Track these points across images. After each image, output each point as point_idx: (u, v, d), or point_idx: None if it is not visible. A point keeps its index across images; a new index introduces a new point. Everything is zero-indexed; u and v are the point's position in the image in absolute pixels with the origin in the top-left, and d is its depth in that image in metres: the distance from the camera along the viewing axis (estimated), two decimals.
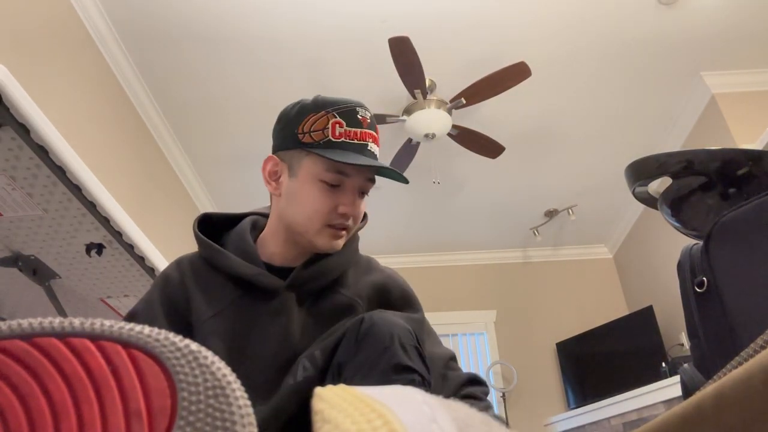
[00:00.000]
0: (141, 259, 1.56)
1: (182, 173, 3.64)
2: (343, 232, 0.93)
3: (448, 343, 4.54)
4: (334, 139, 0.89)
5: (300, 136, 0.90)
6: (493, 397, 4.39)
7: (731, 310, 0.69)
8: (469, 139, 3.24)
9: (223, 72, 2.99)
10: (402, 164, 3.42)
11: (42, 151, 1.17)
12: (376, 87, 3.10)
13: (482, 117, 3.32)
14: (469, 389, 0.90)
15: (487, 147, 3.29)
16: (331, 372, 0.82)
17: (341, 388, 0.39)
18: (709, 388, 0.35)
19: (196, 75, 3.00)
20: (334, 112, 0.90)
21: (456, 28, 2.81)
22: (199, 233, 0.96)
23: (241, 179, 3.77)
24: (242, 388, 0.32)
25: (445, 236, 4.70)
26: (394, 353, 0.77)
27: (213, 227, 1.00)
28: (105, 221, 1.39)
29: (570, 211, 4.28)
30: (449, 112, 3.03)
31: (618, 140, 3.61)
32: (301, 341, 0.88)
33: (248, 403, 0.32)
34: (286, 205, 0.93)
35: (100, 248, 1.47)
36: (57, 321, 0.32)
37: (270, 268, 0.93)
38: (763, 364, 0.31)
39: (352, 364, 0.79)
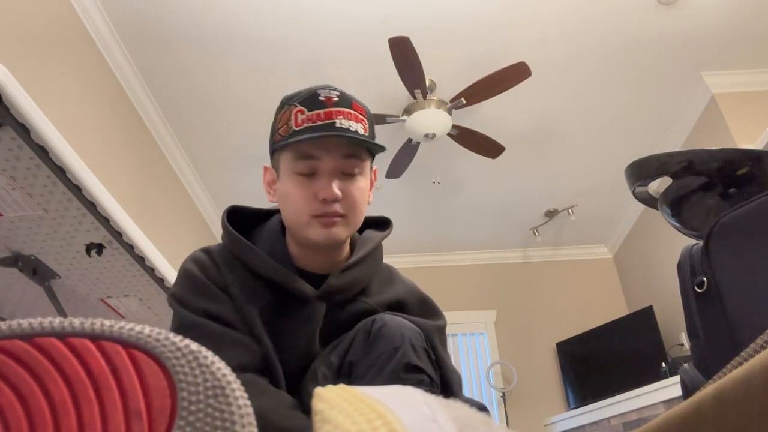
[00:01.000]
0: (141, 259, 1.56)
1: (182, 173, 3.64)
2: (336, 220, 0.86)
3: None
4: (296, 128, 0.84)
5: (274, 137, 0.89)
6: (493, 397, 4.39)
7: (731, 310, 0.69)
8: (469, 139, 3.24)
9: (224, 72, 2.99)
10: (402, 164, 3.42)
11: (42, 151, 1.17)
12: (376, 87, 3.10)
13: (482, 117, 3.32)
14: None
15: (487, 147, 3.29)
16: (342, 371, 0.82)
17: (341, 388, 0.39)
18: (709, 388, 0.35)
19: (196, 75, 3.00)
20: (295, 102, 0.87)
21: (456, 28, 2.81)
22: (231, 228, 0.92)
23: (241, 179, 3.77)
24: (242, 388, 0.32)
25: (445, 236, 4.70)
26: (404, 353, 0.77)
27: (241, 221, 0.96)
28: (105, 221, 1.39)
29: (570, 211, 4.28)
30: (449, 112, 3.03)
31: (618, 140, 3.61)
32: (320, 349, 0.88)
33: (248, 403, 0.32)
34: (281, 209, 0.92)
35: (100, 248, 1.47)
36: (57, 321, 0.32)
37: (299, 272, 0.90)
38: (763, 364, 0.31)
39: (362, 364, 0.79)
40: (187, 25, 2.71)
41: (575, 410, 3.90)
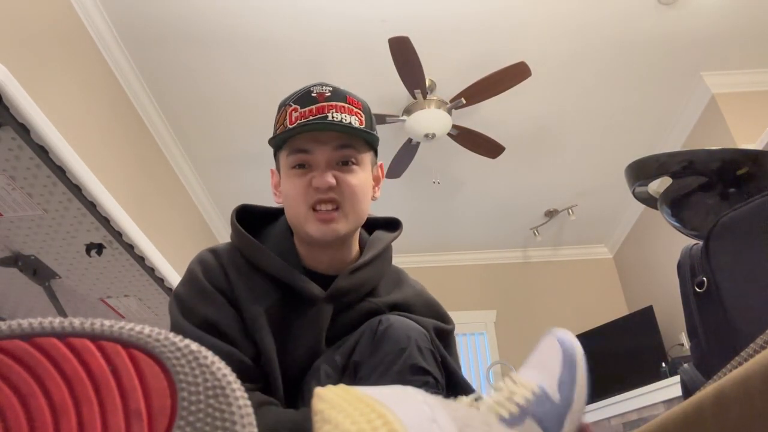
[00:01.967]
0: (141, 259, 1.56)
1: (182, 173, 3.64)
2: (334, 214, 0.86)
3: None
4: (290, 125, 0.86)
5: (273, 139, 0.90)
6: None
7: (731, 310, 0.69)
8: (469, 139, 3.24)
9: (224, 72, 2.99)
10: (402, 164, 3.42)
11: (42, 151, 1.17)
12: (376, 87, 3.10)
13: (482, 117, 3.32)
14: None
15: (487, 147, 3.29)
16: (348, 372, 0.82)
17: (341, 388, 0.39)
18: (709, 388, 0.35)
19: (197, 75, 3.00)
20: (290, 102, 0.88)
21: (456, 28, 2.81)
22: (240, 227, 0.91)
23: (241, 179, 3.77)
24: (242, 388, 0.32)
25: (445, 236, 4.70)
26: (410, 354, 0.77)
27: (250, 220, 0.96)
28: (105, 221, 1.39)
29: (570, 211, 4.28)
30: (449, 112, 3.03)
31: (618, 140, 3.61)
32: (326, 344, 0.88)
33: (248, 403, 0.32)
34: (285, 209, 0.92)
35: (100, 248, 1.47)
36: (57, 321, 0.32)
37: (310, 274, 0.90)
38: (763, 364, 0.31)
39: (368, 364, 0.79)
40: (187, 25, 2.71)
41: None
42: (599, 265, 4.93)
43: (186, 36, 2.77)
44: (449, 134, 3.18)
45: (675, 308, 3.73)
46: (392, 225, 1.04)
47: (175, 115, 3.26)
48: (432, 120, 2.98)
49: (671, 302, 3.83)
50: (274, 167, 0.97)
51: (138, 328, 0.33)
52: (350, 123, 0.86)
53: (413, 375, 0.76)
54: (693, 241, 0.81)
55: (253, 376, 0.81)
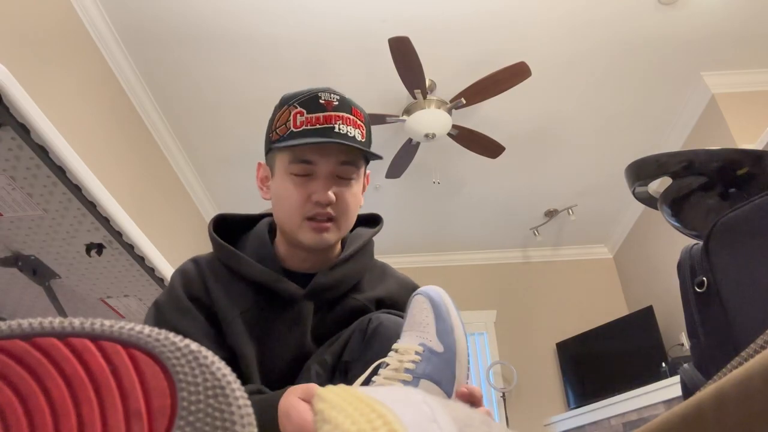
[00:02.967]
0: (141, 259, 1.56)
1: (182, 173, 3.64)
2: (328, 224, 0.87)
3: None
4: (295, 130, 0.85)
5: (271, 135, 0.90)
6: (493, 397, 4.39)
7: (731, 310, 0.69)
8: (469, 139, 3.24)
9: (224, 72, 2.99)
10: (402, 164, 3.42)
11: (42, 151, 1.17)
12: (376, 87, 3.10)
13: (482, 117, 3.32)
14: None
15: (487, 147, 3.29)
16: (338, 371, 0.82)
17: (341, 388, 0.39)
18: (709, 388, 0.35)
19: (197, 75, 3.00)
20: (295, 104, 0.87)
21: (456, 28, 2.81)
22: (216, 236, 0.93)
23: (241, 179, 3.77)
24: (242, 388, 0.32)
25: (445, 236, 4.71)
26: None
27: (229, 228, 0.97)
28: (105, 221, 1.39)
29: (570, 211, 4.28)
30: (449, 112, 3.03)
31: (618, 140, 3.61)
32: (312, 344, 0.88)
33: (248, 403, 0.32)
34: (274, 207, 0.92)
35: (100, 248, 1.47)
36: (57, 321, 0.32)
37: (287, 273, 0.90)
38: (763, 364, 0.31)
39: (359, 363, 0.79)
40: (188, 25, 2.71)
41: (575, 410, 3.89)
42: (599, 265, 4.93)
43: (186, 36, 2.77)
44: (449, 134, 3.18)
45: (675, 308, 3.73)
46: (372, 221, 1.05)
47: (175, 115, 3.26)
48: (432, 120, 2.98)
49: (671, 302, 3.83)
50: (263, 160, 0.96)
51: (138, 328, 0.33)
52: (354, 137, 0.87)
53: None
54: (693, 241, 0.81)
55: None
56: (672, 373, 3.21)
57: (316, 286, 0.88)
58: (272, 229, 0.98)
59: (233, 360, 0.84)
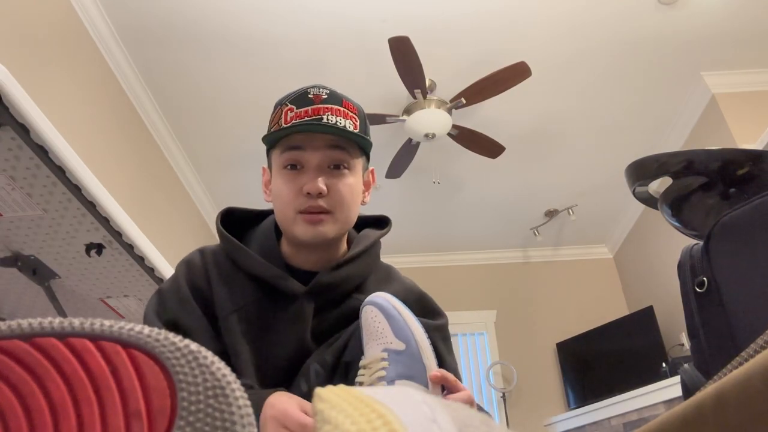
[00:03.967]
0: (141, 259, 1.56)
1: (182, 173, 3.64)
2: (322, 216, 0.86)
3: None
4: (285, 125, 0.86)
5: (267, 137, 0.91)
6: (493, 397, 4.39)
7: (731, 310, 0.69)
8: (469, 139, 3.24)
9: (224, 72, 2.99)
10: (402, 164, 3.42)
11: (42, 151, 1.17)
12: (376, 87, 3.10)
13: (482, 117, 3.32)
14: None
15: (487, 147, 3.29)
16: (339, 371, 0.82)
17: (341, 388, 0.39)
18: (710, 388, 0.35)
19: (197, 75, 3.00)
20: (286, 102, 0.88)
21: (456, 28, 2.81)
22: (223, 229, 0.93)
23: (241, 179, 3.77)
24: (242, 389, 0.32)
25: (445, 236, 4.71)
26: None
27: (236, 223, 0.97)
28: (105, 221, 1.39)
29: (570, 211, 4.28)
30: (449, 112, 3.03)
31: (618, 140, 3.61)
32: (314, 347, 0.87)
33: (248, 403, 0.32)
34: (274, 207, 0.92)
35: (100, 248, 1.47)
36: (57, 321, 0.32)
37: (292, 270, 0.90)
38: (763, 364, 0.31)
39: (359, 364, 0.79)
40: (188, 25, 2.71)
41: (575, 410, 3.90)
42: (599, 265, 4.93)
43: (186, 36, 2.77)
44: (449, 134, 3.18)
45: (675, 308, 3.73)
46: (381, 223, 1.04)
47: (175, 115, 3.26)
48: (432, 120, 2.98)
49: (671, 302, 3.83)
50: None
51: (138, 328, 0.33)
52: (344, 126, 0.86)
53: None
54: (693, 241, 0.81)
55: None
56: (672, 374, 3.21)
57: (317, 284, 0.87)
58: (278, 226, 0.97)
59: (228, 353, 0.84)
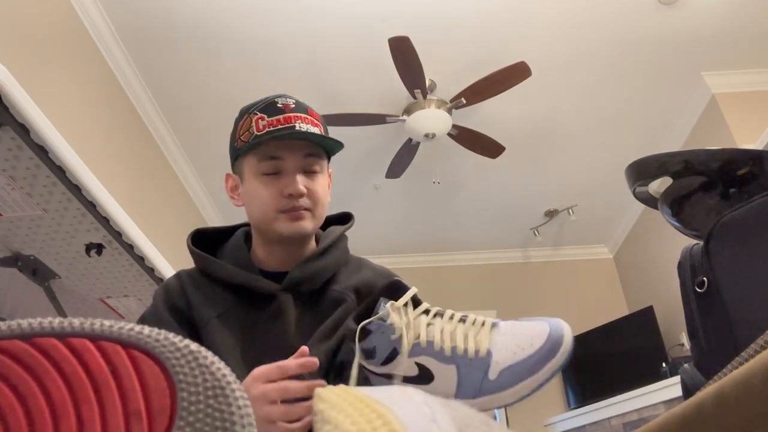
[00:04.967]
0: (141, 259, 1.56)
1: (182, 173, 3.64)
2: (303, 213, 0.92)
3: None
4: (258, 133, 0.91)
5: (236, 144, 0.95)
6: None
7: (731, 310, 0.69)
8: (469, 139, 3.24)
9: (223, 72, 2.99)
10: (402, 164, 3.42)
11: (42, 151, 1.17)
12: (376, 87, 3.10)
13: (482, 117, 3.32)
14: None
15: (487, 147, 3.29)
16: (332, 372, 0.82)
17: (341, 388, 0.39)
18: (710, 389, 0.35)
19: (196, 75, 3.00)
20: (255, 111, 0.94)
21: (456, 28, 2.81)
22: (192, 246, 0.98)
23: None
24: (242, 389, 0.32)
25: (445, 236, 4.70)
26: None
27: (207, 241, 1.02)
28: (105, 221, 1.39)
29: (570, 211, 4.28)
30: (449, 112, 3.03)
31: (618, 140, 3.61)
32: (299, 342, 0.88)
33: (248, 403, 0.32)
34: (247, 211, 0.97)
35: (99, 248, 1.47)
36: (57, 321, 0.32)
37: (265, 274, 0.94)
38: (764, 364, 0.31)
39: (353, 364, 0.79)
40: (188, 25, 2.71)
41: (575, 410, 3.90)
42: (599, 265, 4.93)
43: (186, 36, 2.77)
44: (449, 134, 3.18)
45: (675, 308, 3.73)
46: (345, 219, 1.10)
47: (175, 115, 3.26)
48: (432, 120, 2.98)
49: (671, 302, 3.83)
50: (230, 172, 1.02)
51: (138, 328, 0.33)
52: (315, 133, 0.93)
53: None
54: (693, 241, 0.81)
55: None
56: (672, 374, 3.21)
57: (291, 279, 0.92)
58: (248, 238, 1.03)
59: None
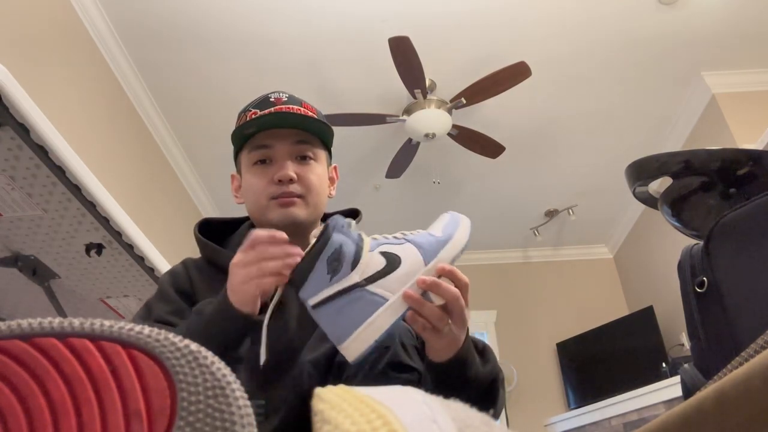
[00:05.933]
0: (141, 259, 1.56)
1: (182, 173, 3.64)
2: (294, 199, 0.90)
3: None
4: (241, 124, 0.92)
5: (232, 141, 0.96)
6: None
7: (731, 310, 0.69)
8: (469, 139, 3.24)
9: (224, 72, 2.99)
10: (402, 164, 3.42)
11: (42, 151, 1.17)
12: (376, 87, 3.10)
13: (482, 117, 3.32)
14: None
15: (487, 147, 3.29)
16: (332, 372, 0.82)
17: (341, 388, 0.39)
18: (710, 389, 0.35)
19: (196, 75, 3.00)
20: (249, 108, 0.95)
21: (456, 27, 2.81)
22: (199, 235, 0.97)
23: None
24: (242, 389, 0.32)
25: None
26: (395, 352, 0.78)
27: (214, 231, 1.01)
28: (105, 221, 1.39)
29: (570, 211, 4.28)
30: (449, 112, 3.03)
31: (618, 140, 3.61)
32: (297, 334, 0.86)
33: (248, 403, 0.32)
34: (246, 205, 0.96)
35: (99, 248, 1.47)
36: (57, 321, 0.32)
37: None
38: (764, 364, 0.31)
39: (352, 364, 0.78)
40: (187, 24, 2.71)
41: (575, 410, 3.89)
42: (599, 265, 4.93)
43: (186, 35, 2.77)
44: (449, 134, 3.18)
45: (675, 308, 3.73)
46: (352, 215, 1.08)
47: (175, 115, 3.26)
48: (432, 120, 2.98)
49: (671, 302, 3.83)
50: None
51: (138, 328, 0.33)
52: (297, 114, 0.93)
53: (398, 372, 0.77)
54: (693, 241, 0.81)
55: None
56: (672, 374, 3.21)
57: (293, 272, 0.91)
58: (252, 228, 1.02)
59: None
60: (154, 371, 0.32)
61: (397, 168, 3.45)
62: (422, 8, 2.70)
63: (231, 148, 1.01)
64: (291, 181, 0.89)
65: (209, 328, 0.75)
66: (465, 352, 0.74)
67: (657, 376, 3.33)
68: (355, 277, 0.66)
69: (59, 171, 1.23)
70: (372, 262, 0.67)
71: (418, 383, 0.79)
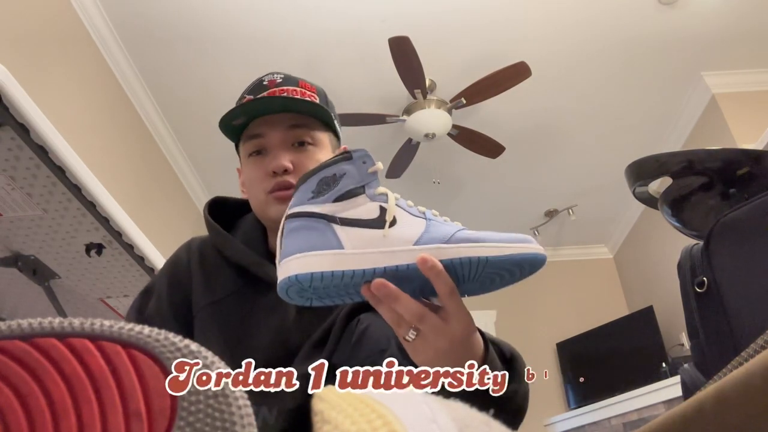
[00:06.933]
0: (141, 259, 1.57)
1: (182, 173, 3.64)
2: (291, 193, 0.86)
3: None
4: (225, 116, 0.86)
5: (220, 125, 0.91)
6: None
7: (731, 310, 0.69)
8: (469, 139, 3.24)
9: (224, 72, 2.99)
10: (402, 164, 3.42)
11: (42, 151, 1.17)
12: (375, 87, 3.10)
13: (482, 117, 3.32)
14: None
15: (487, 147, 3.29)
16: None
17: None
18: (710, 388, 0.35)
19: (196, 75, 3.00)
20: (244, 94, 0.90)
21: (456, 27, 2.81)
22: (209, 217, 0.92)
23: None
24: (242, 389, 0.32)
25: None
26: (391, 355, 0.77)
27: (226, 212, 0.96)
28: (105, 221, 1.39)
29: (570, 211, 4.28)
30: (449, 112, 3.03)
31: (618, 140, 3.61)
32: (295, 332, 0.84)
33: (248, 403, 0.32)
34: (249, 199, 0.91)
35: (99, 248, 1.47)
36: (57, 321, 0.32)
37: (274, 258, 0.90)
38: (764, 364, 0.31)
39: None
40: (187, 25, 2.71)
41: (575, 410, 3.89)
42: (599, 265, 4.93)
43: (186, 36, 2.77)
44: (449, 134, 3.18)
45: (675, 308, 3.73)
46: None
47: (175, 115, 3.26)
48: (432, 120, 2.98)
49: (671, 302, 3.83)
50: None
51: (138, 328, 0.33)
52: (283, 97, 0.85)
53: None
54: (693, 241, 0.81)
55: None
56: (672, 374, 3.21)
57: None
58: None
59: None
60: (155, 371, 0.32)
61: (397, 168, 3.45)
62: (422, 8, 2.70)
63: (231, 147, 0.99)
64: (286, 171, 0.82)
65: None
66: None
67: (657, 376, 3.33)
68: (328, 207, 0.60)
69: (59, 171, 1.23)
70: (364, 207, 0.60)
71: None
